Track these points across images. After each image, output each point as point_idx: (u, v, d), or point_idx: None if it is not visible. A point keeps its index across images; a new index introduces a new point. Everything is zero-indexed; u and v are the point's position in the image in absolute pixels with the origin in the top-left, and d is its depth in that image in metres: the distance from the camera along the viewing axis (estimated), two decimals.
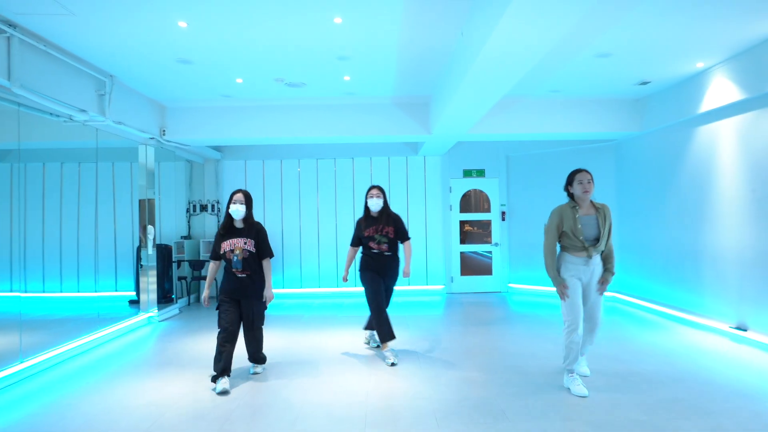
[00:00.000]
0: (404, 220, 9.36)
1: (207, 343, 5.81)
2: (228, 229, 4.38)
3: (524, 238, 9.30)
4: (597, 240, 4.00)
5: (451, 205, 9.50)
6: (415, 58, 5.45)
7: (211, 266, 4.50)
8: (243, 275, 4.30)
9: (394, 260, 5.17)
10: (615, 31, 4.71)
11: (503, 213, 9.52)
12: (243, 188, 4.59)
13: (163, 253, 8.04)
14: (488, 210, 9.60)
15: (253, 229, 4.37)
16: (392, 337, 4.99)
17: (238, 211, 4.30)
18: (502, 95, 5.39)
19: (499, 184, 9.53)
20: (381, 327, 4.98)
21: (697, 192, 6.31)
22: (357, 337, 6.02)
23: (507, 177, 9.52)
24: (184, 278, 8.63)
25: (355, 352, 5.36)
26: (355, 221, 5.36)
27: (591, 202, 4.11)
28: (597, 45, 5.13)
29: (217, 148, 9.30)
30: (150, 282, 7.24)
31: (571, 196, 4.16)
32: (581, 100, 7.40)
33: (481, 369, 4.72)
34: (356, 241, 5.27)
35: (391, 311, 7.70)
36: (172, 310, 7.71)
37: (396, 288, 9.42)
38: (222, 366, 4.22)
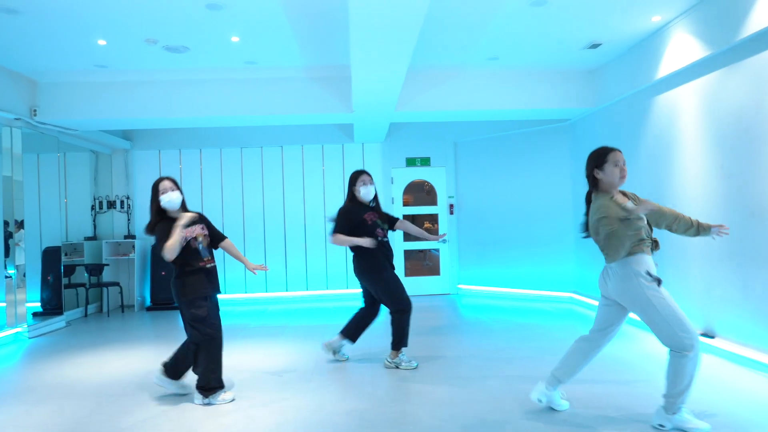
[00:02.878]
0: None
1: (79, 369, 4.61)
2: (168, 217, 3.58)
3: (475, 234, 8.32)
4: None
5: (393, 198, 8.47)
6: (306, 9, 4.39)
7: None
8: (212, 265, 3.65)
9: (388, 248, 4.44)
10: None
11: (451, 206, 8.52)
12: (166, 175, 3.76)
13: (47, 256, 6.86)
14: (434, 203, 8.59)
15: (197, 215, 3.68)
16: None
17: (172, 200, 3.56)
18: (404, 62, 4.48)
19: (447, 173, 8.53)
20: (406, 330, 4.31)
21: (656, 173, 5.35)
22: (260, 357, 4.94)
23: (455, 165, 8.53)
24: (82, 285, 7.44)
25: (252, 377, 4.28)
26: (339, 211, 4.40)
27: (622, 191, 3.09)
28: None
29: (125, 137, 8.15)
30: (18, 293, 6.05)
31: (595, 182, 3.00)
32: (528, 72, 6.41)
33: (406, 414, 3.66)
34: (348, 232, 4.31)
35: (322, 319, 6.70)
36: (55, 323, 6.53)
37: (331, 292, 8.41)
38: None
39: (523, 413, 3.26)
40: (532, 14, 4.64)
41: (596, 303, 6.37)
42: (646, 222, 2.95)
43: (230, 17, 4.51)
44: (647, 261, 2.90)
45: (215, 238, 3.78)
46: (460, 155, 8.50)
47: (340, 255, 8.33)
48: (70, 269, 7.34)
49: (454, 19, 4.71)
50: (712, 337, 4.50)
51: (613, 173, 2.90)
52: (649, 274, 2.87)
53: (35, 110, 6.12)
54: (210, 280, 3.60)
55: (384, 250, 4.33)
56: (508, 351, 4.81)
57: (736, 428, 2.96)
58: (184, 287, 3.53)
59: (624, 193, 3.07)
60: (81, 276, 7.50)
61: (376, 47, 3.95)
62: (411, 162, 8.49)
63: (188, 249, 3.53)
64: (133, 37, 4.91)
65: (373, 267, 4.29)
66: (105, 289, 7.67)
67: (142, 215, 8.25)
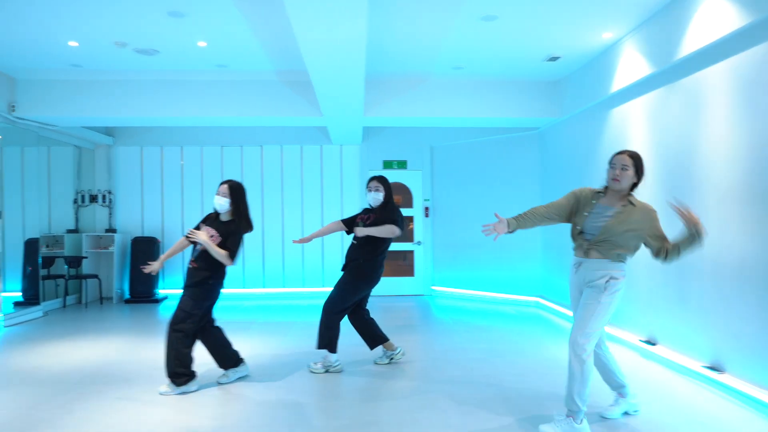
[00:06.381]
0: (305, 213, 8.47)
1: (45, 357, 4.79)
2: (212, 216, 3.96)
3: (449, 237, 8.49)
4: (599, 240, 3.00)
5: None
6: (266, 17, 4.57)
7: (179, 241, 3.99)
8: (191, 266, 3.85)
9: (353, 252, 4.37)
10: None
11: (426, 209, 8.69)
12: (231, 179, 3.99)
13: (29, 248, 7.05)
14: (410, 205, 8.76)
15: (229, 227, 3.83)
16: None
17: (218, 204, 3.86)
18: (360, 79, 4.71)
19: (423, 176, 8.70)
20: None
21: None
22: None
23: (431, 169, 8.70)
24: (61, 277, 7.64)
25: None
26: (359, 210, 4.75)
27: (627, 195, 3.05)
28: (478, 5, 4.30)
29: (108, 133, 8.34)
30: None
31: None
32: (493, 81, 6.58)
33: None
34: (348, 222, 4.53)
35: (296, 316, 6.88)
36: (31, 313, 6.73)
37: (308, 290, 8.59)
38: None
39: (459, 413, 3.43)
40: (485, 29, 4.80)
41: (561, 309, 6.55)
42: (594, 230, 3.04)
43: (194, 24, 4.68)
44: None
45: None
46: (436, 159, 8.67)
47: (316, 254, 8.53)
48: (50, 261, 7.53)
49: (411, 32, 4.87)
50: (654, 344, 4.66)
51: (607, 173, 3.07)
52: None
53: (14, 106, 6.31)
54: (186, 276, 3.89)
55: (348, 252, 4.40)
56: (458, 352, 4.98)
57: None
58: None
59: (628, 199, 3.05)
60: (61, 268, 7.70)
61: (326, 62, 4.14)
62: (388, 165, 8.66)
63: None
64: (103, 40, 5.09)
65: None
66: (84, 281, 7.86)
67: (124, 209, 8.46)
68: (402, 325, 6.28)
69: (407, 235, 8.82)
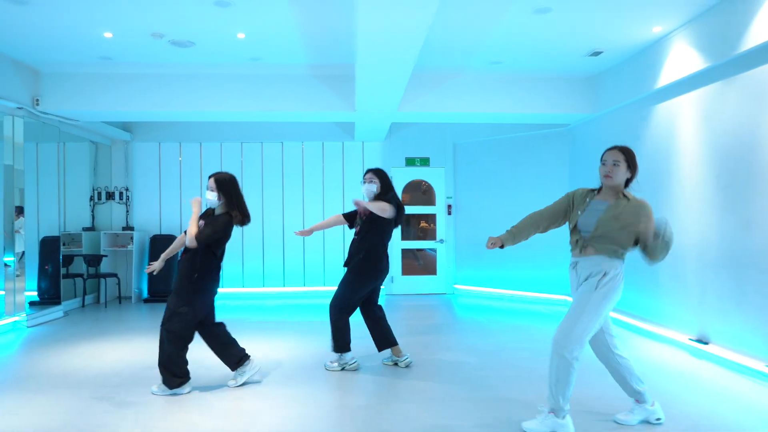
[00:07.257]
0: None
1: (77, 358, 4.65)
2: (209, 212, 3.86)
3: (472, 235, 8.38)
4: (595, 235, 2.92)
5: None
6: (313, 8, 4.43)
7: (179, 237, 3.95)
8: (180, 258, 3.76)
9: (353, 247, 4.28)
10: None
11: (449, 206, 8.58)
12: (220, 171, 3.89)
13: (45, 246, 6.87)
14: (431, 202, 8.65)
15: (218, 219, 3.71)
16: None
17: (207, 199, 3.77)
18: (409, 67, 4.59)
19: (445, 174, 8.59)
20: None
21: (654, 181, 5.42)
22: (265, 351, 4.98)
23: (454, 166, 8.59)
24: (80, 276, 7.45)
25: None
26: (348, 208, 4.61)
27: (622, 192, 2.98)
28: None
29: (125, 128, 8.15)
30: (17, 281, 6.06)
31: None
32: (529, 77, 6.48)
33: None
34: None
35: (319, 315, 6.75)
36: (53, 313, 6.55)
37: (328, 288, 8.44)
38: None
39: (524, 414, 3.32)
40: (536, 21, 4.70)
41: None
42: (588, 227, 2.99)
43: (237, 14, 4.54)
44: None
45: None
46: (459, 156, 8.56)
47: (338, 252, 8.39)
48: (68, 259, 7.35)
49: (459, 24, 4.77)
50: (706, 343, 4.58)
51: (599, 170, 3.01)
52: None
53: (38, 100, 6.12)
54: None
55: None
56: (506, 352, 4.88)
57: None
58: None
59: (623, 195, 2.99)
60: (79, 266, 7.51)
61: (381, 54, 4.04)
62: (410, 162, 8.55)
63: None
64: (140, 31, 4.93)
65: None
66: (103, 280, 7.68)
67: (141, 207, 8.28)
68: (435, 324, 6.17)
69: (429, 234, 8.73)
